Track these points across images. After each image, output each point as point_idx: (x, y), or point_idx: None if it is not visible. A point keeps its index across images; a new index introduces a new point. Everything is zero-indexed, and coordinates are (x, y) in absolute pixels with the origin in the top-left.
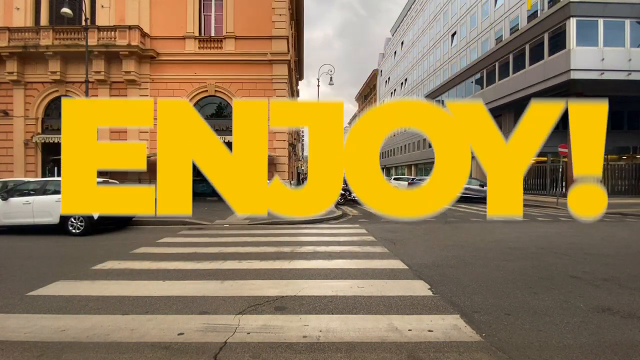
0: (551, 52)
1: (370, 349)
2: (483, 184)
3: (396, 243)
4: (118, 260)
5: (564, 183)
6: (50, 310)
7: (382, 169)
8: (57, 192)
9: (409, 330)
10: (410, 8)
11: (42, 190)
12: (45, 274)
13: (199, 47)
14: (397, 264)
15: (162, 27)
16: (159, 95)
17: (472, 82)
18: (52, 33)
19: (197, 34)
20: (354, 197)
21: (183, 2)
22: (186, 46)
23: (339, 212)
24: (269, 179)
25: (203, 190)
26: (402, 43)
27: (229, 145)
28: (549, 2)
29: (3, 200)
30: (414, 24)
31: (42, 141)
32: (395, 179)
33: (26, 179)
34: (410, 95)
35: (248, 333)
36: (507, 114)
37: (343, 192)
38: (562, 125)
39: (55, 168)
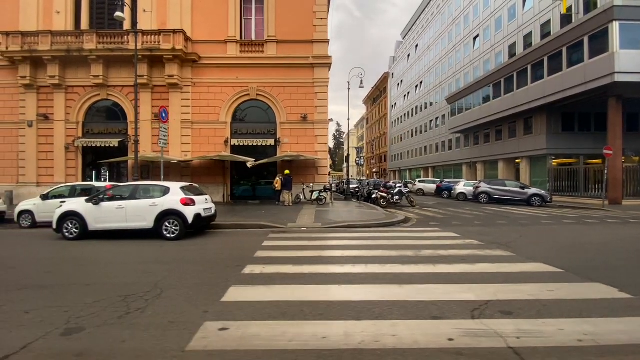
0: (591, 55)
1: None
2: (524, 187)
3: (510, 246)
4: (255, 265)
5: (605, 185)
6: (263, 316)
7: (395, 171)
8: (149, 196)
9: None
10: (423, 11)
11: (133, 195)
12: (204, 280)
13: (241, 51)
14: (544, 267)
15: (203, 31)
16: (200, 99)
17: (499, 84)
18: (96, 37)
19: (238, 38)
20: (396, 200)
21: (224, 7)
22: (228, 50)
23: (401, 217)
24: (310, 182)
25: (245, 194)
26: (417, 46)
27: (272, 147)
28: (584, 5)
29: (95, 205)
30: (429, 27)
31: (84, 145)
32: (420, 181)
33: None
34: (427, 98)
35: (518, 338)
36: (538, 116)
37: (385, 195)
38: (595, 127)
39: (103, 171)
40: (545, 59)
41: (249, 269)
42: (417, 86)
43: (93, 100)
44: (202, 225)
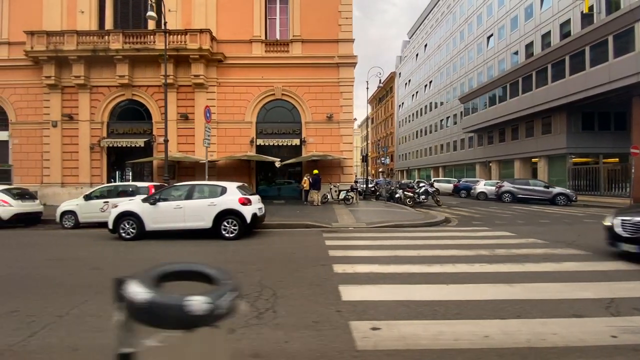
0: (616, 55)
1: None
2: (548, 186)
3: (579, 245)
4: (340, 264)
5: (631, 184)
6: (403, 315)
7: (403, 171)
8: (206, 196)
9: None
10: (431, 11)
11: (189, 194)
12: (304, 279)
13: (266, 51)
14: (633, 265)
15: (228, 31)
16: (225, 99)
17: (517, 83)
18: (122, 37)
19: (263, 37)
20: (422, 199)
21: (249, 6)
22: (253, 50)
23: (441, 217)
24: (335, 182)
25: (270, 194)
26: (426, 46)
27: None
28: (606, 5)
29: (152, 205)
30: (439, 26)
31: (110, 145)
32: (435, 181)
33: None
34: (436, 97)
35: None
36: (558, 115)
37: (411, 194)
38: (615, 126)
39: (127, 171)
40: (567, 58)
41: (339, 269)
42: (426, 86)
43: (118, 101)
44: (251, 227)
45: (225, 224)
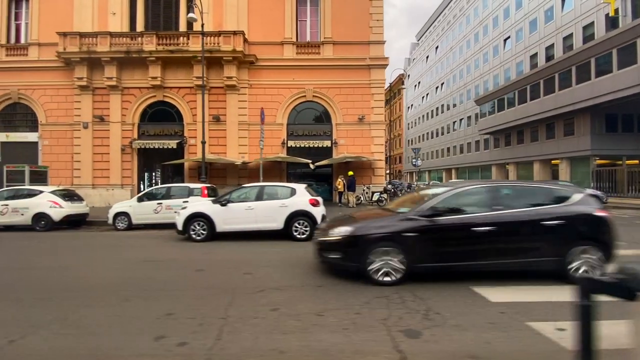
0: None
1: None
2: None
3: None
4: None
5: None
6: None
7: (411, 173)
8: (276, 197)
9: None
10: (441, 13)
11: (259, 196)
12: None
13: (297, 53)
14: None
15: (259, 33)
16: (256, 100)
17: (538, 85)
18: (155, 38)
19: (294, 39)
20: None
21: (280, 8)
22: (284, 52)
23: None
24: (367, 183)
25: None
26: (437, 48)
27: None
28: (632, 7)
29: (222, 206)
30: (451, 29)
31: (141, 147)
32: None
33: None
34: (449, 99)
35: None
36: (581, 117)
37: None
38: (639, 127)
39: (157, 173)
40: (592, 60)
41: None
42: (437, 87)
43: (149, 102)
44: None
45: (297, 225)
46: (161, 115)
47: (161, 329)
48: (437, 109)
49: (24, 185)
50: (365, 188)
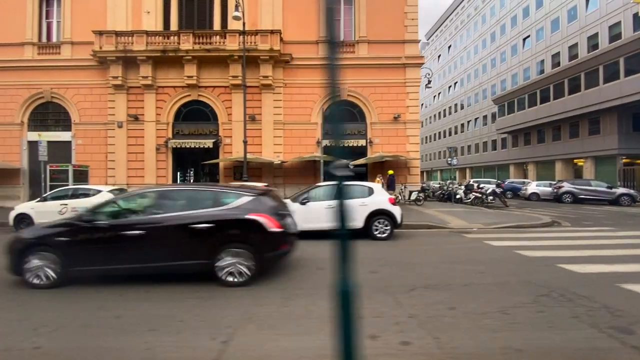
0: None
1: None
2: (611, 186)
3: None
4: (567, 264)
5: None
6: None
7: (424, 172)
8: (353, 196)
9: None
10: (453, 12)
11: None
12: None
13: None
14: None
15: (293, 32)
16: (291, 100)
17: (562, 84)
18: (192, 37)
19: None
20: (490, 200)
21: (315, 7)
22: (319, 50)
23: (547, 219)
24: (403, 183)
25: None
26: (449, 47)
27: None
28: None
29: (302, 205)
30: (465, 28)
31: (176, 146)
32: (474, 182)
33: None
34: (463, 99)
35: None
36: (607, 116)
37: (479, 195)
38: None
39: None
40: (621, 59)
41: (575, 268)
42: (450, 87)
43: (183, 101)
44: None
45: (377, 224)
46: (196, 114)
47: (372, 329)
48: (449, 108)
49: (67, 184)
50: (402, 187)
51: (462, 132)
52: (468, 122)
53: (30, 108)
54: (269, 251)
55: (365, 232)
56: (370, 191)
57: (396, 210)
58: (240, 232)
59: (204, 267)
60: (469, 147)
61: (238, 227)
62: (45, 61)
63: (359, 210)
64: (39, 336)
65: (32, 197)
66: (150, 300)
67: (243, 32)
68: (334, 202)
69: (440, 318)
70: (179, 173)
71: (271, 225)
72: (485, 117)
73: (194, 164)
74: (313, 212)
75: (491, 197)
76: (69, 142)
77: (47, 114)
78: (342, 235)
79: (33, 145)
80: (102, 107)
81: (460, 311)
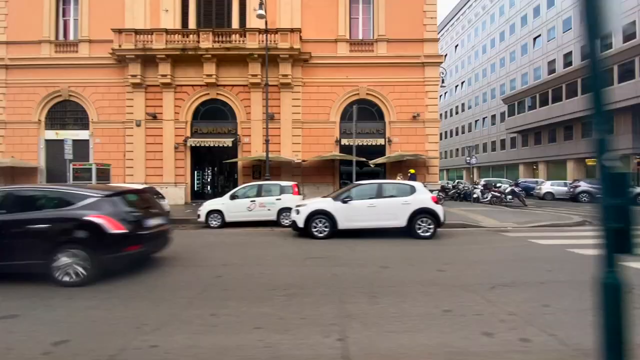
0: None
1: None
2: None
3: None
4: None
5: None
6: None
7: None
8: (395, 194)
9: None
10: (459, 12)
11: (379, 193)
12: None
13: (350, 51)
14: None
15: (312, 30)
16: (310, 98)
17: (575, 84)
18: (212, 35)
19: (348, 37)
20: (509, 199)
21: (334, 6)
22: (338, 49)
23: (578, 218)
24: (422, 182)
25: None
26: (456, 46)
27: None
28: None
29: (343, 203)
30: (472, 27)
31: (195, 145)
32: (486, 181)
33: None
34: (471, 98)
35: None
36: (621, 115)
37: (498, 194)
38: None
39: (208, 171)
40: (637, 59)
41: (637, 265)
42: (457, 86)
43: (201, 100)
44: None
45: (420, 222)
46: (214, 113)
47: (479, 326)
48: (456, 107)
49: (90, 182)
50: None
51: (469, 131)
52: (476, 121)
53: (47, 106)
54: (108, 252)
55: (408, 231)
56: (413, 189)
57: (439, 209)
58: (77, 233)
59: (41, 267)
60: (476, 146)
61: (75, 228)
62: (62, 59)
63: (401, 208)
64: (146, 334)
65: None
66: None
67: (266, 31)
68: (375, 201)
69: (540, 315)
70: (196, 172)
71: (111, 226)
72: (493, 116)
73: (212, 163)
74: (355, 211)
75: (510, 197)
76: (87, 141)
77: (65, 112)
78: (607, 229)
79: (50, 144)
80: (120, 105)
81: (556, 308)
